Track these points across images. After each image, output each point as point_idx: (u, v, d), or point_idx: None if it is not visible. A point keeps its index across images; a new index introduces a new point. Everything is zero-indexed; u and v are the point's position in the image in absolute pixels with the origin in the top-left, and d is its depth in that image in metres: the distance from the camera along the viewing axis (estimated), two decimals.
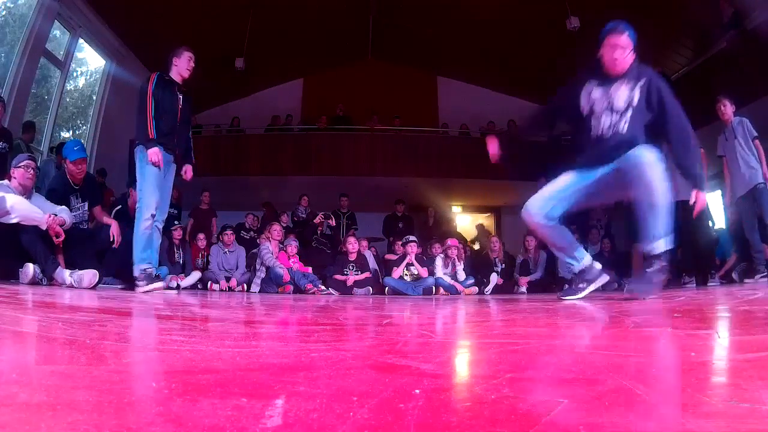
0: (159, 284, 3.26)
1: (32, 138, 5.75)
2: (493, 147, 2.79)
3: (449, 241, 5.85)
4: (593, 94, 2.47)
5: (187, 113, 3.63)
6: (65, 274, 3.08)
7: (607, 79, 2.45)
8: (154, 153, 3.30)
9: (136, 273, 3.25)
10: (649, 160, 2.26)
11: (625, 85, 2.41)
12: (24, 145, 5.10)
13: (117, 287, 3.56)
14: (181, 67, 3.53)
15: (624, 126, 2.39)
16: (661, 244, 2.33)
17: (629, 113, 2.38)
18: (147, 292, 3.10)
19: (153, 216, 3.34)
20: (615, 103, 2.41)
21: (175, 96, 3.49)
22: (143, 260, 3.29)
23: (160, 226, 3.54)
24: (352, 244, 5.79)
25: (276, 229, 5.69)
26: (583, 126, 2.50)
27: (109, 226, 3.56)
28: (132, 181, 3.92)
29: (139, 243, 3.31)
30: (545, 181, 7.71)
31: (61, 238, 3.14)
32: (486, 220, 10.74)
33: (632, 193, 2.36)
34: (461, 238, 7.41)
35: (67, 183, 3.64)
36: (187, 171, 3.70)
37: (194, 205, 7.08)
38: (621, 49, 2.39)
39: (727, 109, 4.39)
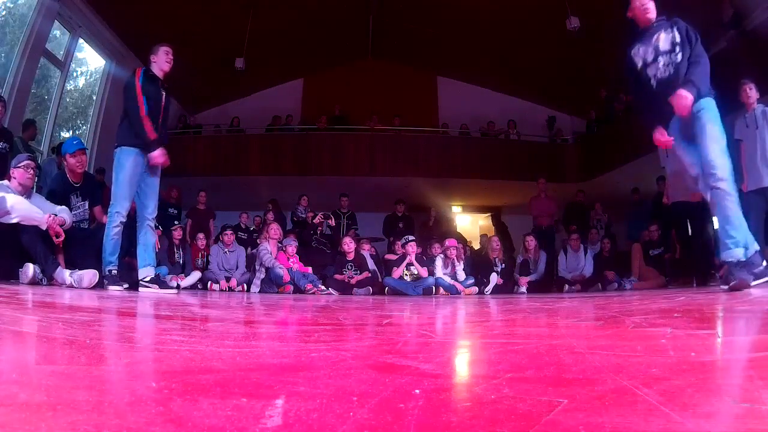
0: (121, 287, 3.26)
1: (33, 136, 5.75)
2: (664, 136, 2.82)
3: (448, 242, 5.85)
4: (639, 50, 2.77)
5: (168, 110, 3.59)
6: (65, 274, 3.09)
7: (644, 34, 2.78)
8: (160, 155, 3.29)
9: (104, 273, 3.28)
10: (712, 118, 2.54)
11: (663, 32, 2.72)
12: (22, 144, 5.09)
13: (120, 287, 3.57)
14: (160, 62, 3.49)
15: (679, 58, 2.65)
16: (740, 251, 2.44)
17: (677, 49, 2.67)
18: (114, 290, 3.13)
19: (123, 222, 3.35)
20: (660, 46, 2.70)
21: (159, 93, 3.46)
22: (110, 263, 3.31)
23: (152, 224, 3.52)
24: (348, 244, 5.80)
25: (273, 229, 5.69)
26: (646, 81, 2.75)
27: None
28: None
29: (107, 247, 3.32)
30: (545, 181, 7.73)
31: (61, 238, 3.14)
32: (486, 220, 10.77)
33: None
34: (461, 238, 7.41)
35: (66, 182, 3.64)
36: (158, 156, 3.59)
37: (191, 206, 7.08)
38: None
39: (753, 92, 4.11)
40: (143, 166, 3.42)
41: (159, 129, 3.45)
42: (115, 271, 3.32)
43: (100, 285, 3.18)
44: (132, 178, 3.34)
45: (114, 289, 3.15)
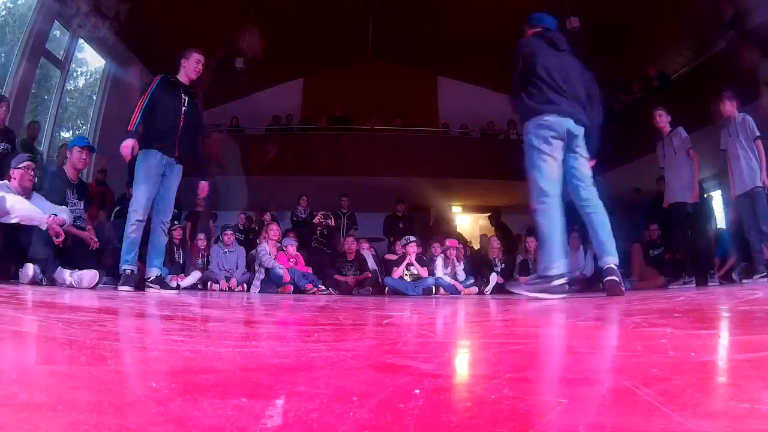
0: (132, 289, 3.27)
1: (34, 137, 5.75)
2: None
3: (448, 242, 5.85)
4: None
5: (192, 116, 3.60)
6: (65, 274, 3.09)
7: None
8: (126, 146, 3.24)
9: (120, 272, 3.30)
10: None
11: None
12: (24, 145, 5.10)
13: (131, 288, 3.56)
14: (189, 68, 3.56)
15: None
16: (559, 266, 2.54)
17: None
18: (123, 291, 3.13)
19: (140, 221, 3.37)
20: None
21: (179, 97, 3.49)
22: (125, 261, 3.33)
23: (165, 228, 3.56)
24: (349, 245, 5.81)
25: (273, 230, 5.71)
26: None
27: (107, 226, 3.58)
28: (131, 182, 3.93)
29: (124, 245, 3.35)
30: None
31: (61, 238, 3.15)
32: (486, 220, 10.77)
33: None
34: (461, 239, 7.41)
35: (64, 177, 3.67)
36: (203, 188, 3.71)
37: (190, 208, 7.07)
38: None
39: (725, 106, 4.36)
40: (167, 165, 3.46)
41: (179, 133, 3.46)
42: (130, 271, 3.32)
43: (100, 285, 3.18)
44: (151, 178, 3.38)
45: (124, 290, 3.14)
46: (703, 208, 5.55)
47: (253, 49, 3.62)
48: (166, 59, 3.69)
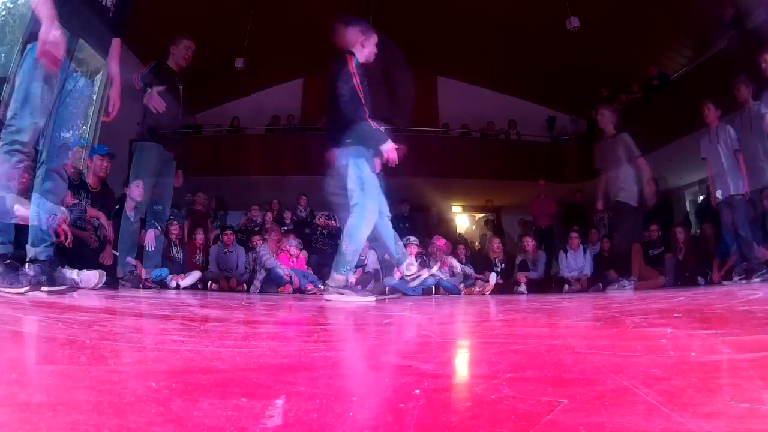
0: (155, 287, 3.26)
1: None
2: None
3: (437, 242, 5.89)
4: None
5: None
6: (66, 274, 3.08)
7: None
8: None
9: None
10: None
11: None
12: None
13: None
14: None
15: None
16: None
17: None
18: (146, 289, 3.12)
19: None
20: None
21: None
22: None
23: (163, 228, 3.55)
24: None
25: (273, 231, 5.72)
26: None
27: (106, 226, 3.58)
28: (128, 182, 3.94)
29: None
30: (545, 183, 7.80)
31: (60, 238, 3.14)
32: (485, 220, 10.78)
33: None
34: (461, 239, 7.42)
35: (65, 176, 3.67)
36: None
37: (189, 206, 7.07)
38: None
39: (741, 92, 4.11)
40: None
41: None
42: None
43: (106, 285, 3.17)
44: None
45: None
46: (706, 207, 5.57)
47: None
48: (165, 58, 3.67)
